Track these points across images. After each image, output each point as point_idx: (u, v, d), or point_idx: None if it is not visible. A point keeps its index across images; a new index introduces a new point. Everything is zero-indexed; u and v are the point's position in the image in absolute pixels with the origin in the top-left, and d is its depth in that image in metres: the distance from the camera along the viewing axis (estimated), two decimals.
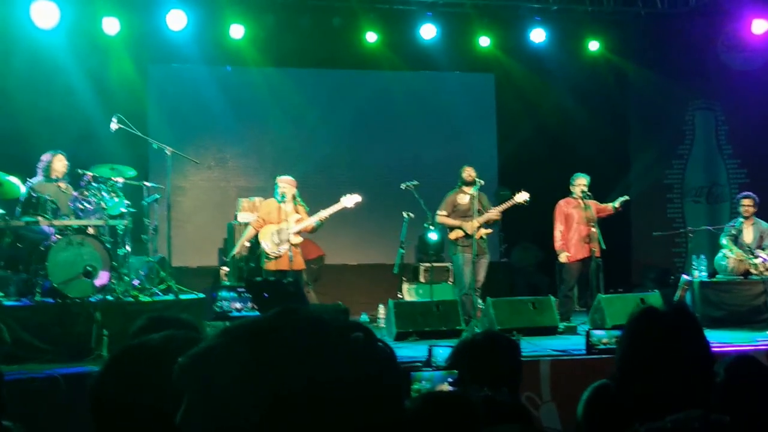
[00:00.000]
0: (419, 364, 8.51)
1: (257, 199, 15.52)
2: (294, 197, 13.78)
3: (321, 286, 15.07)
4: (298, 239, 13.57)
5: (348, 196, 13.77)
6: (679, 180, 19.21)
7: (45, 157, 12.96)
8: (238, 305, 12.18)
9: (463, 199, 14.17)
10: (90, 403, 2.47)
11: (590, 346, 10.19)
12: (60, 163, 12.98)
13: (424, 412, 2.67)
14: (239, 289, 12.37)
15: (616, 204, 14.38)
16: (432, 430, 2.67)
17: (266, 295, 11.64)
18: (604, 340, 6.60)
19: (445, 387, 4.63)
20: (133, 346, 2.60)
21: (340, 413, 1.69)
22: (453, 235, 14.09)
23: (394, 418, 1.77)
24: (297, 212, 13.71)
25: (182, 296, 12.51)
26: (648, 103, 19.16)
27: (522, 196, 14.07)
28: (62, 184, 12.76)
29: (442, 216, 14.15)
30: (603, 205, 14.48)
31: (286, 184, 13.78)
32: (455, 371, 4.30)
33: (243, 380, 1.70)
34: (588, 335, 6.42)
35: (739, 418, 4.01)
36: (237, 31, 16.80)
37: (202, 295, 12.73)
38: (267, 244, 13.58)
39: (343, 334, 1.77)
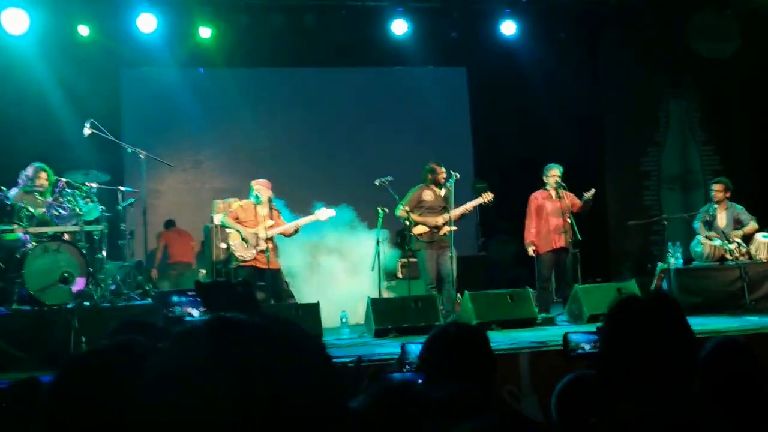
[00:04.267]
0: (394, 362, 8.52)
1: (232, 200, 15.50)
2: (269, 200, 13.81)
3: (297, 285, 15.03)
4: (270, 244, 13.61)
5: (323, 209, 13.98)
6: (655, 167, 19.24)
7: (28, 171, 12.89)
8: (191, 310, 12.04)
9: (429, 195, 14.14)
10: (44, 415, 2.48)
11: (567, 352, 10.05)
12: (42, 180, 12.93)
13: (375, 406, 2.67)
14: (189, 293, 12.25)
15: (588, 195, 14.35)
16: (381, 423, 2.66)
17: (216, 297, 11.54)
18: (583, 345, 6.60)
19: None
20: (82, 355, 2.61)
21: (270, 417, 1.71)
22: (416, 231, 14.08)
23: (336, 417, 1.79)
24: (272, 216, 13.75)
25: (155, 299, 12.50)
26: (622, 91, 19.18)
27: (486, 197, 14.08)
28: (39, 196, 12.70)
29: (403, 210, 14.04)
30: (576, 200, 14.46)
31: (261, 186, 13.83)
32: (424, 372, 4.30)
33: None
34: (565, 340, 6.44)
35: (722, 400, 4.05)
36: (206, 33, 16.80)
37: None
38: (237, 248, 13.62)
39: (273, 337, 1.79)
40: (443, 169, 14.14)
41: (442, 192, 14.09)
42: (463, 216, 14.24)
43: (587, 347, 6.95)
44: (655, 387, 3.03)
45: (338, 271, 15.50)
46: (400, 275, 16.03)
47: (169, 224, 17.31)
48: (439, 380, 4.20)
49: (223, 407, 1.68)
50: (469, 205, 14.17)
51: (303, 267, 15.33)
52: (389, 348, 10.97)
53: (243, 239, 13.62)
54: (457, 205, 14.10)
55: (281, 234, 13.81)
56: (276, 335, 1.79)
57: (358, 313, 13.96)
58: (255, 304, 11.68)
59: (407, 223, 14.11)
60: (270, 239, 13.64)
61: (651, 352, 3.10)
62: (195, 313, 11.88)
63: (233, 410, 1.68)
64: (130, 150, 13.75)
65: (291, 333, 1.81)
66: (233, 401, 1.68)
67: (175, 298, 12.02)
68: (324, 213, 14.02)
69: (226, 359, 1.72)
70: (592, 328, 11.49)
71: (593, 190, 14.33)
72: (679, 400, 2.99)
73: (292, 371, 1.74)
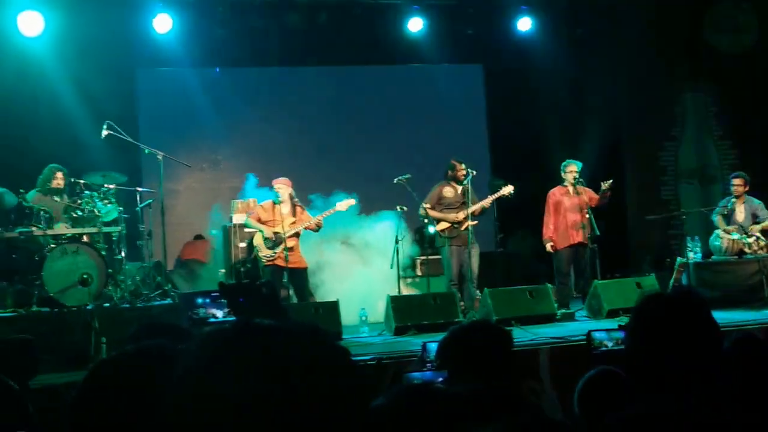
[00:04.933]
0: (416, 358, 8.51)
1: (251, 200, 15.51)
2: (291, 197, 13.83)
3: (318, 284, 15.02)
4: (293, 242, 13.63)
5: (343, 200, 13.92)
6: (672, 162, 19.18)
7: (45, 172, 12.99)
8: (215, 311, 12.03)
9: (449, 191, 14.21)
10: (69, 423, 2.47)
11: (591, 349, 10.00)
12: (59, 180, 12.99)
13: (396, 407, 2.65)
14: (213, 294, 12.27)
15: (605, 185, 14.30)
16: (406, 424, 2.65)
17: (241, 299, 11.54)
18: (606, 342, 6.58)
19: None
20: (105, 361, 2.61)
21: (298, 418, 1.71)
22: (439, 227, 14.15)
23: (356, 418, 1.79)
24: (295, 213, 13.77)
25: (179, 300, 12.53)
26: (639, 86, 19.10)
27: (507, 189, 14.11)
28: (56, 197, 12.76)
29: (426, 208, 14.16)
30: (594, 195, 14.42)
31: (281, 184, 13.84)
32: (445, 371, 4.27)
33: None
34: (588, 337, 6.42)
35: (741, 397, 4.03)
36: (220, 33, 16.82)
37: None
38: (260, 247, 13.64)
39: (299, 341, 1.79)
40: (463, 166, 14.18)
41: (462, 188, 14.12)
42: (483, 211, 14.26)
43: (610, 344, 6.94)
44: (682, 384, 3.02)
45: (357, 269, 15.48)
46: (419, 272, 16.03)
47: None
48: (460, 378, 4.18)
49: (247, 409, 1.68)
50: (489, 200, 14.19)
51: (321, 264, 15.32)
52: (409, 346, 10.98)
53: (265, 238, 13.63)
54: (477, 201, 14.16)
55: (306, 229, 13.80)
56: (299, 339, 1.80)
57: (378, 311, 13.94)
58: (280, 306, 11.68)
59: (425, 221, 14.16)
60: (294, 236, 13.64)
61: (678, 349, 3.08)
62: (219, 314, 11.89)
63: (257, 412, 1.68)
64: (147, 151, 13.74)
65: (314, 338, 1.82)
66: (256, 403, 1.69)
67: (199, 300, 12.03)
68: (344, 204, 14.01)
69: (250, 362, 1.72)
70: (613, 323, 11.48)
71: (611, 180, 14.30)
72: (706, 397, 2.97)
73: (314, 375, 1.75)
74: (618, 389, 4.28)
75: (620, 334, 5.39)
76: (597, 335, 6.39)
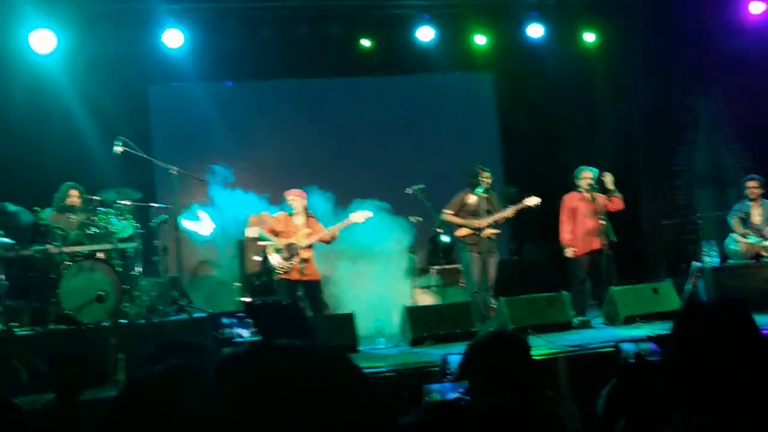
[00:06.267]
0: (436, 369, 8.49)
1: (264, 214, 15.51)
2: (305, 209, 13.83)
3: (331, 296, 15.02)
4: (308, 253, 13.61)
5: (359, 212, 13.87)
6: (686, 166, 19.14)
7: (62, 190, 13.05)
8: (241, 331, 12.06)
9: (472, 198, 14.19)
10: None
11: (620, 362, 9.83)
12: (74, 198, 13.04)
13: (425, 425, 2.65)
14: (239, 314, 12.29)
15: (606, 180, 14.29)
16: None
17: (266, 319, 11.55)
18: (634, 353, 6.52)
19: (456, 398, 4.61)
20: (136, 380, 2.62)
21: None
22: (459, 233, 14.14)
23: None
24: (309, 225, 13.75)
25: (195, 315, 12.53)
26: (650, 91, 19.07)
27: (533, 200, 14.05)
28: (72, 215, 12.79)
29: (448, 214, 14.18)
30: (607, 201, 14.38)
31: (294, 196, 13.83)
32: (465, 381, 4.27)
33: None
34: (617, 350, 6.37)
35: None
36: (231, 46, 16.88)
37: (215, 312, 12.77)
38: (275, 259, 13.61)
39: (319, 363, 1.80)
40: (487, 173, 14.16)
41: (488, 196, 14.11)
42: (506, 220, 14.26)
43: (643, 354, 6.88)
44: (728, 393, 2.98)
45: (372, 279, 15.46)
46: (434, 283, 15.99)
47: None
48: (481, 390, 4.17)
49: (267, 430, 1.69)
50: (513, 209, 14.14)
51: (336, 275, 15.31)
52: (427, 357, 10.96)
53: (277, 250, 13.61)
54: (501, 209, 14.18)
55: (320, 241, 13.77)
56: (318, 364, 1.81)
57: (393, 322, 13.93)
58: (308, 326, 11.66)
59: (441, 229, 14.17)
60: (309, 248, 13.62)
61: (723, 357, 3.04)
62: (245, 334, 11.93)
63: None
64: (161, 166, 13.78)
65: (334, 361, 1.83)
66: (275, 425, 1.69)
67: (225, 320, 12.08)
68: (360, 215, 13.89)
69: (269, 386, 1.73)
70: (637, 331, 11.43)
71: (608, 175, 14.28)
72: (752, 407, 2.93)
73: (333, 399, 1.75)
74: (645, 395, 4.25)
75: (649, 345, 5.35)
76: (626, 347, 6.35)
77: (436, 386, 4.70)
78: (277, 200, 14.97)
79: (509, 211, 14.18)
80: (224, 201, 16.30)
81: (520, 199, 14.17)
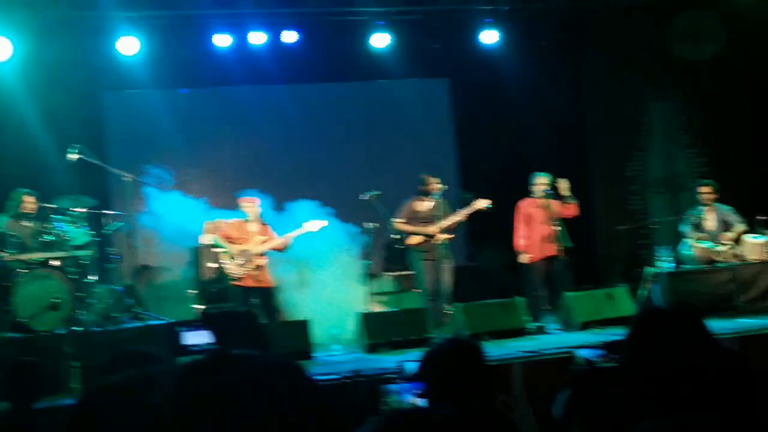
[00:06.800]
0: (392, 375, 8.50)
1: (219, 220, 15.46)
2: (258, 216, 13.82)
3: (286, 303, 15.01)
4: (263, 260, 13.60)
5: (313, 220, 13.89)
6: (640, 172, 19.25)
7: (15, 197, 12.94)
8: (198, 340, 12.02)
9: (422, 206, 14.22)
10: None
11: (576, 369, 9.79)
12: (29, 205, 12.94)
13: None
14: (196, 323, 12.27)
15: (561, 187, 14.39)
16: None
17: (223, 328, 11.53)
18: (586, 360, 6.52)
19: (413, 399, 4.64)
20: (95, 389, 2.61)
21: None
22: (411, 241, 14.15)
23: None
24: (263, 232, 13.74)
25: (150, 323, 12.48)
26: (604, 96, 19.18)
27: (483, 203, 14.10)
28: (27, 222, 12.70)
29: (398, 223, 14.19)
30: (562, 206, 14.47)
31: (248, 203, 13.82)
32: (422, 382, 4.30)
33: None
34: (572, 357, 6.39)
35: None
36: (186, 53, 16.81)
37: (172, 320, 12.70)
38: (229, 265, 13.58)
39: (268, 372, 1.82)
40: (434, 180, 14.19)
41: (435, 203, 14.13)
42: (458, 225, 14.29)
43: (596, 361, 6.91)
44: (685, 398, 3.01)
45: (326, 286, 15.47)
46: (389, 289, 16.00)
47: None
48: (438, 395, 4.20)
49: None
50: (464, 213, 14.19)
51: (291, 282, 15.30)
52: (382, 363, 10.97)
53: (232, 257, 13.58)
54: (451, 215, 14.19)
55: (273, 249, 13.77)
56: (270, 377, 1.83)
57: (349, 328, 13.93)
58: (262, 336, 11.66)
59: (398, 236, 14.17)
60: (263, 255, 13.62)
61: (678, 363, 3.07)
62: (201, 342, 11.90)
63: None
64: (115, 173, 13.72)
65: (287, 374, 1.84)
66: None
67: (182, 329, 12.06)
68: (315, 224, 13.92)
69: (225, 395, 1.75)
70: (587, 336, 11.51)
71: (564, 181, 14.37)
72: (706, 410, 2.96)
73: (284, 414, 1.77)
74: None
75: (603, 352, 5.38)
76: (580, 353, 6.37)
77: (394, 386, 4.73)
78: (218, 205, 15.00)
79: (460, 215, 14.22)
80: (159, 203, 16.20)
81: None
